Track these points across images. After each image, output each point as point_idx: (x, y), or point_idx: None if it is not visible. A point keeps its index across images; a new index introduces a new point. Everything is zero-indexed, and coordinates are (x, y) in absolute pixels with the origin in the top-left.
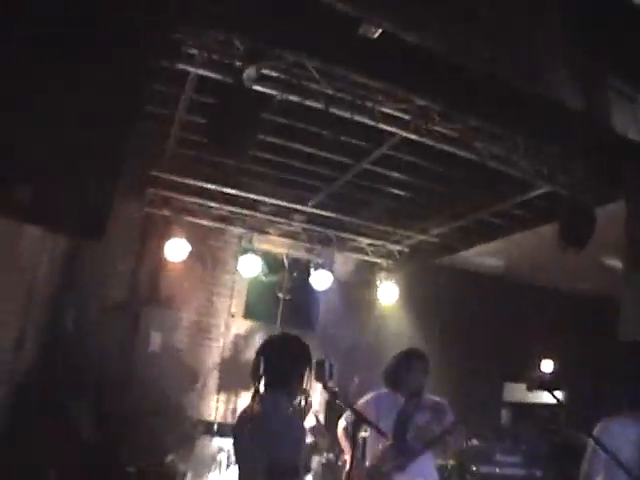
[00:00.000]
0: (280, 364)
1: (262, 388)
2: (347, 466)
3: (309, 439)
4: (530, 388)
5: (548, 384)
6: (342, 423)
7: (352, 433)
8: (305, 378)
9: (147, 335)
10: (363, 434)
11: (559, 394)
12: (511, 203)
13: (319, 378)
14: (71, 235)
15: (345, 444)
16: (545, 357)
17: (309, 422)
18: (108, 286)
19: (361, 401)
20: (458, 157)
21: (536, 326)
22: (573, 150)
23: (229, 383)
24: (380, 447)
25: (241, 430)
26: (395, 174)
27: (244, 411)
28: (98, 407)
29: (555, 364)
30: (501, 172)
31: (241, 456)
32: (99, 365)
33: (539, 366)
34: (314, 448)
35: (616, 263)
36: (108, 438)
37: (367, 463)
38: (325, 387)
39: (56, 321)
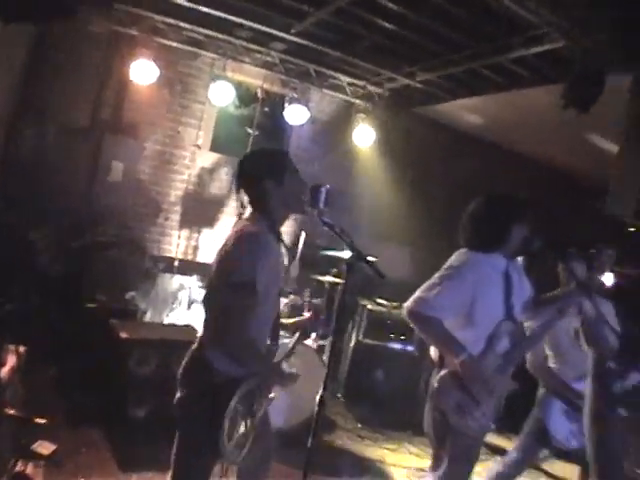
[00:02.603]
0: (252, 183)
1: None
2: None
3: None
4: None
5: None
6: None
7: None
8: (271, 191)
9: (108, 164)
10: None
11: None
12: (509, 57)
13: (314, 205)
14: (39, 20)
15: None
16: None
17: None
18: (69, 109)
19: (458, 268)
20: None
21: (505, 190)
22: (597, 12)
23: (192, 219)
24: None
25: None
26: (393, 6)
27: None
28: (58, 237)
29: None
30: (505, 22)
31: (211, 270)
32: (58, 193)
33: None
34: None
35: (602, 142)
36: (68, 270)
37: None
38: (319, 215)
39: (13, 144)
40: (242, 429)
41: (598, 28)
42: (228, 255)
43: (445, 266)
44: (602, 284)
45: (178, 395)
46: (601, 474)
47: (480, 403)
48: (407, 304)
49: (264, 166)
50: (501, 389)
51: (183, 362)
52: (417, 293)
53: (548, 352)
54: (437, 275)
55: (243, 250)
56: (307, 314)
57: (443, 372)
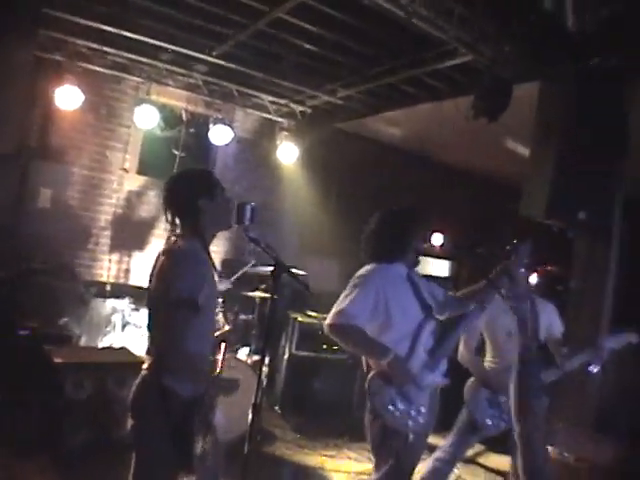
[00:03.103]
0: (185, 202)
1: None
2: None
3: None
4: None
5: (439, 253)
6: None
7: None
8: (204, 209)
9: (36, 190)
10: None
11: (447, 264)
12: (424, 71)
13: (240, 221)
14: None
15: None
16: (436, 231)
17: None
18: None
19: (365, 276)
20: (378, 15)
21: (430, 200)
22: (503, 25)
23: (122, 242)
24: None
25: (153, 267)
26: (309, 27)
27: (160, 251)
28: None
29: (445, 238)
30: (419, 37)
31: (150, 291)
32: None
33: (430, 239)
34: None
35: (516, 146)
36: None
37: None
38: (245, 231)
39: None
40: (201, 442)
41: (502, 41)
42: (166, 273)
43: (353, 278)
44: (524, 279)
45: (132, 422)
46: (524, 454)
47: (412, 400)
48: (326, 321)
49: (196, 185)
50: (431, 385)
51: (134, 389)
52: (333, 309)
53: (487, 346)
54: (347, 287)
55: (181, 267)
56: (227, 327)
57: (372, 374)
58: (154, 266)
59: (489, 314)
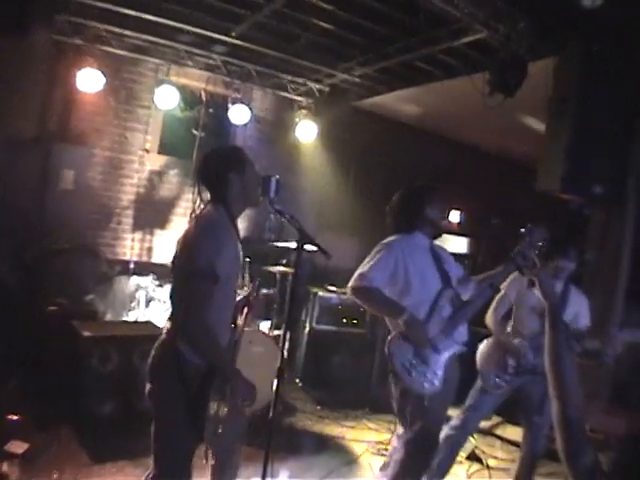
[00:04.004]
0: (215, 175)
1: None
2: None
3: None
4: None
5: (457, 230)
6: None
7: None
8: (233, 181)
9: (58, 173)
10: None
11: (465, 241)
12: (439, 48)
13: (264, 193)
14: None
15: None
16: (453, 208)
17: None
18: (15, 122)
19: (386, 244)
20: None
21: (447, 178)
22: (516, 1)
23: (144, 221)
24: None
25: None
26: (326, 5)
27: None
28: (13, 248)
29: (462, 215)
30: (433, 15)
31: (174, 260)
32: (10, 205)
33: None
34: None
35: (533, 123)
36: (26, 279)
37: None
38: (271, 203)
39: None
40: (215, 410)
41: (516, 17)
42: (189, 242)
43: (376, 246)
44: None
45: (149, 386)
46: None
47: (428, 362)
48: (349, 284)
49: (227, 159)
50: (447, 349)
51: (152, 354)
52: (355, 273)
53: (513, 315)
54: (370, 254)
55: (204, 236)
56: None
57: (391, 336)
58: (183, 234)
59: (519, 288)
